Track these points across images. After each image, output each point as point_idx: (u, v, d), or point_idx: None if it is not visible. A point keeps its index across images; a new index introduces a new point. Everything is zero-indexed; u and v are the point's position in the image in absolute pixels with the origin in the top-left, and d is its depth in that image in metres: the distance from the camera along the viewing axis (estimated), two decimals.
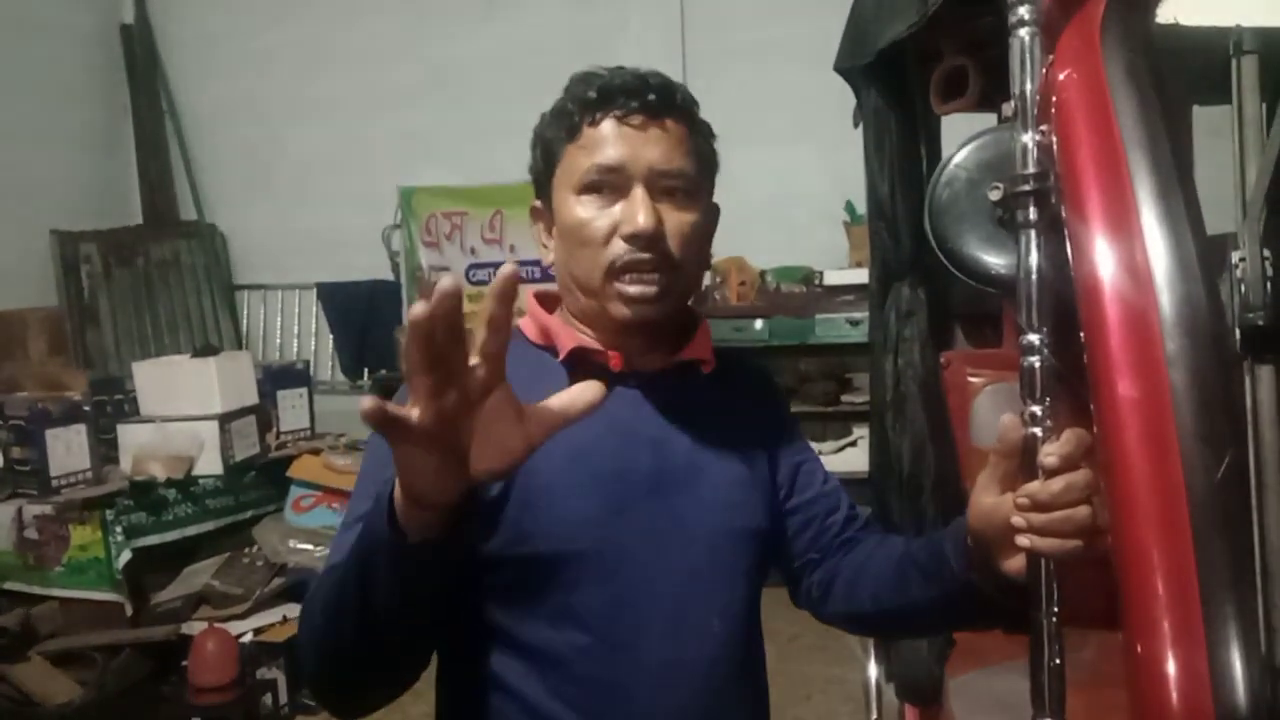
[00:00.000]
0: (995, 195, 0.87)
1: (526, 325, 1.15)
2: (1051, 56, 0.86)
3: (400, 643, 0.89)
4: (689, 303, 1.16)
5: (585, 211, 1.04)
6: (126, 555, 3.44)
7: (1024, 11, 0.84)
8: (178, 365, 4.03)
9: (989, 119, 2.02)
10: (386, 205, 5.79)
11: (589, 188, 1.04)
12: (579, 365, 1.07)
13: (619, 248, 1.02)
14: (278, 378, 4.24)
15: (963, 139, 2.06)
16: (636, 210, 1.01)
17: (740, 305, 4.99)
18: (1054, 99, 0.84)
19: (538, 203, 1.14)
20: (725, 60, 5.20)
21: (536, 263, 5.50)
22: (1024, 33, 0.84)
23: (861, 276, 4.75)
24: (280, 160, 5.96)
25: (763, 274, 5.10)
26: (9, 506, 3.50)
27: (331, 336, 5.93)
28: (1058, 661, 0.87)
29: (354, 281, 5.84)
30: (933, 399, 1.68)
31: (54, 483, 3.50)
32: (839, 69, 1.82)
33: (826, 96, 5.25)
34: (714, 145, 1.12)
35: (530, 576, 1.01)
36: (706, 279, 5.21)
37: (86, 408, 3.72)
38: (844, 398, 4.88)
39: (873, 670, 2.17)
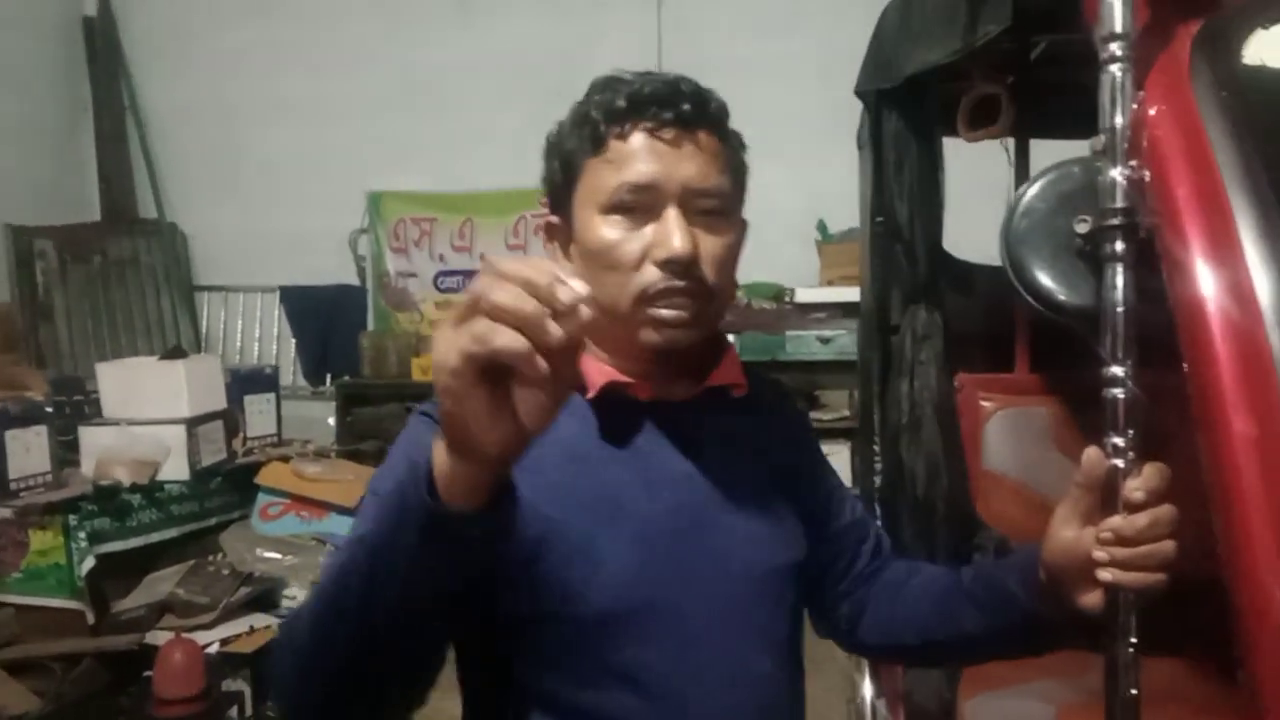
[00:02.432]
0: (1083, 228, 0.88)
1: None
2: (1141, 93, 0.87)
3: (400, 661, 0.78)
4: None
5: (613, 233, 0.96)
6: (90, 562, 3.33)
7: (1116, 48, 0.85)
8: (144, 367, 3.92)
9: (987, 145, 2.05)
10: (354, 209, 5.73)
11: (617, 207, 0.96)
12: (605, 398, 1.01)
13: (651, 274, 0.95)
14: (245, 382, 4.15)
15: (962, 164, 2.09)
16: (671, 234, 0.94)
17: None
18: (1145, 135, 0.85)
19: (554, 218, 1.05)
20: (701, 76, 5.17)
21: None
22: (1115, 69, 0.85)
23: (833, 295, 4.83)
24: (245, 160, 5.86)
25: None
26: None
27: (294, 340, 5.83)
28: (1134, 691, 0.87)
29: (318, 285, 5.76)
30: (947, 421, 1.69)
31: (12, 485, 3.38)
32: (859, 91, 1.83)
33: (800, 115, 5.32)
34: (744, 157, 1.05)
35: (574, 638, 0.94)
36: None
37: (48, 409, 3.61)
38: (813, 415, 4.91)
39: (868, 690, 2.18)
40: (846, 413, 4.86)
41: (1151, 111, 0.85)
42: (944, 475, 1.67)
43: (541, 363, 0.61)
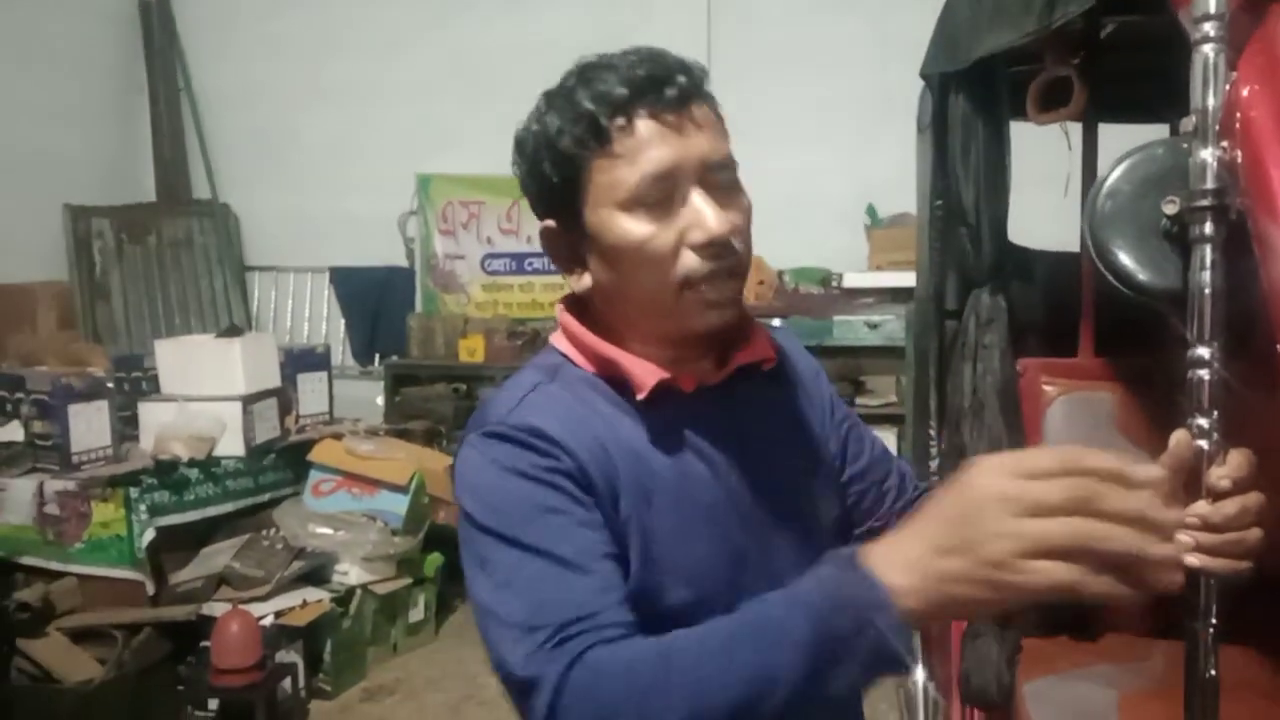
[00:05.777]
0: (1171, 209, 0.88)
1: (568, 349, 1.04)
2: (1233, 73, 0.86)
3: None
4: None
5: (641, 228, 0.92)
6: (150, 534, 3.42)
7: (1209, 28, 0.85)
8: (201, 345, 4.01)
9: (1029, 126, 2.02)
10: (403, 191, 5.77)
11: (639, 202, 0.92)
12: (651, 394, 0.99)
13: (691, 260, 0.93)
14: (299, 361, 4.22)
15: (1017, 150, 2.06)
16: (705, 216, 0.92)
17: (758, 305, 5.00)
18: (1237, 116, 0.84)
19: (551, 222, 1.00)
20: (750, 61, 5.20)
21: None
22: (1208, 49, 0.85)
23: (882, 280, 4.80)
24: (296, 143, 5.92)
25: (781, 274, 5.10)
26: (29, 481, 3.46)
27: (343, 321, 5.90)
28: (1213, 673, 0.88)
29: (367, 267, 5.82)
30: (1010, 406, 1.68)
31: (75, 458, 3.48)
32: (925, 74, 1.82)
33: (850, 100, 5.28)
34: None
35: (656, 628, 0.92)
36: None
37: (109, 384, 3.70)
38: (858, 400, 4.89)
39: (919, 674, 2.19)
40: (894, 398, 4.84)
41: (1244, 92, 0.85)
42: None
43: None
